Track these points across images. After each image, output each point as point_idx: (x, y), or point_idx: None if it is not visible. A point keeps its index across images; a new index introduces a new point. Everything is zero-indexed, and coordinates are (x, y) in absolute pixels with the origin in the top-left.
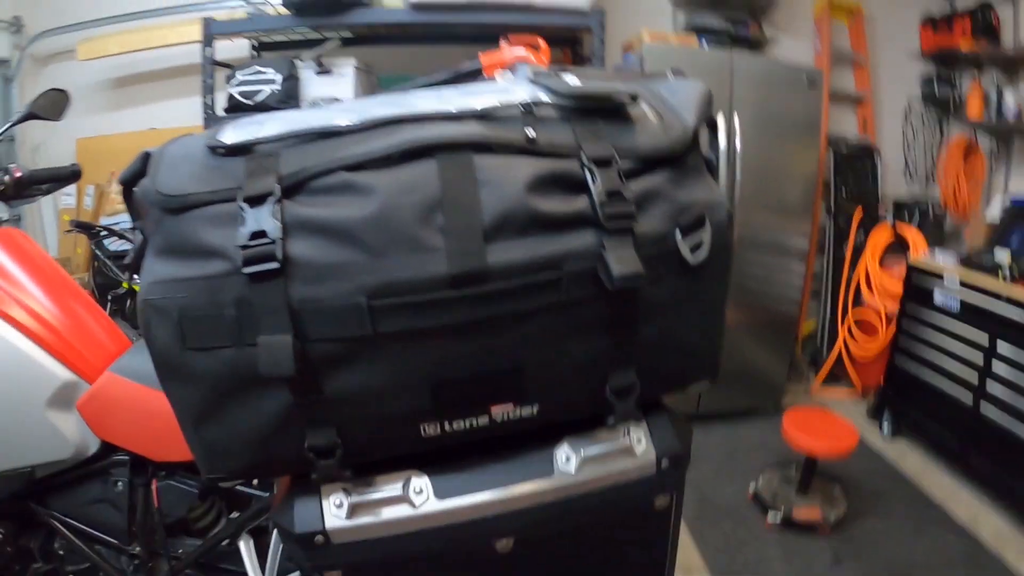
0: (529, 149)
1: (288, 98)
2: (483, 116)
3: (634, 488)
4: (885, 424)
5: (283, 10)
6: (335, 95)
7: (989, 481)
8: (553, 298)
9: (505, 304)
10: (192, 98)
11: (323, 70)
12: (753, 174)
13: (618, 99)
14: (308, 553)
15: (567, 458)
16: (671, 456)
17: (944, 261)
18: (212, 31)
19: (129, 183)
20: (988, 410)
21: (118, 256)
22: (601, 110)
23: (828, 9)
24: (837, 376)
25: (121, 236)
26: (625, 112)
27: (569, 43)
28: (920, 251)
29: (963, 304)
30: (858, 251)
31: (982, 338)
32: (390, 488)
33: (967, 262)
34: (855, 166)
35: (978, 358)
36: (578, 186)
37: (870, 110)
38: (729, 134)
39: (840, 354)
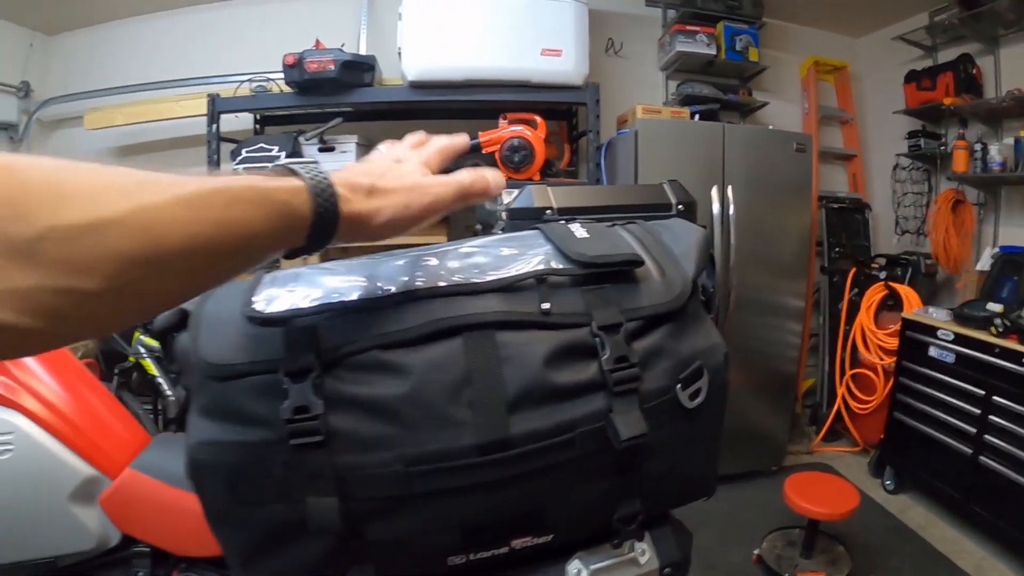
0: (545, 323)
1: None
2: (503, 289)
3: None
4: (887, 479)
5: (286, 87)
6: None
7: (992, 531)
8: (567, 455)
9: (525, 464)
10: (196, 169)
11: (326, 147)
12: (748, 237)
13: (625, 265)
14: None
15: (578, 572)
16: (673, 564)
17: (937, 316)
18: (218, 108)
19: (167, 332)
20: (988, 461)
21: None
22: (608, 273)
23: (814, 70)
24: (838, 432)
25: None
26: (631, 273)
27: (565, 117)
28: (913, 306)
29: (958, 357)
30: (853, 307)
31: (978, 390)
32: None
33: (960, 316)
34: (847, 222)
35: (976, 410)
36: (590, 352)
37: (860, 166)
38: (723, 202)
39: (839, 410)
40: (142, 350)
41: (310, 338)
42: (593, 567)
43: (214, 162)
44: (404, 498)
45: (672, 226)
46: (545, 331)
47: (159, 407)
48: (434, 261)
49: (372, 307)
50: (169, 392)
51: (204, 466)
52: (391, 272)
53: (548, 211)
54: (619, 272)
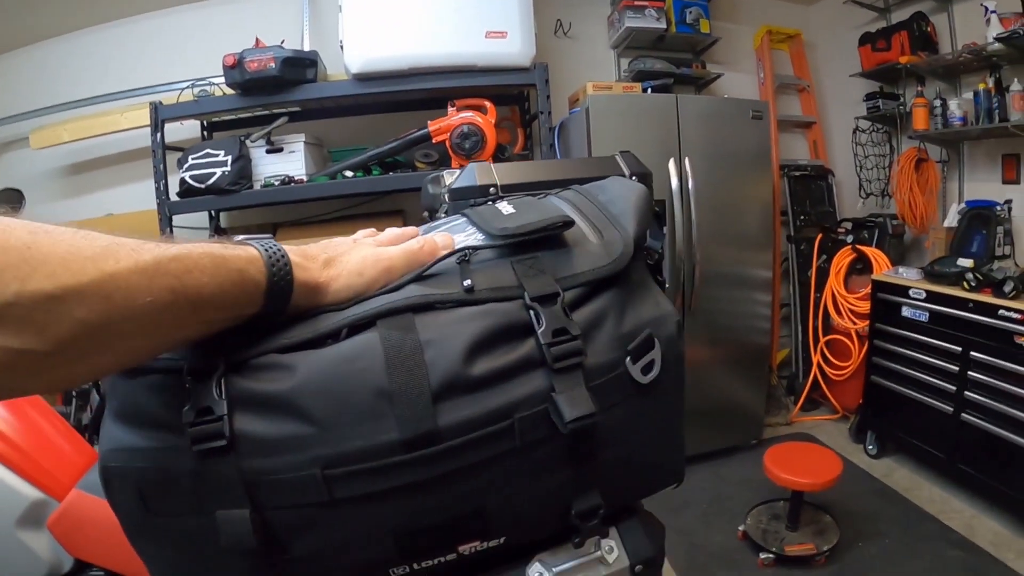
0: (470, 300)
1: (240, 179)
2: (420, 277)
3: None
4: (869, 443)
5: (229, 91)
6: (288, 172)
7: (979, 487)
8: (507, 446)
9: (458, 459)
10: (147, 182)
11: (273, 148)
12: (710, 210)
13: (552, 229)
14: None
15: None
16: (645, 561)
17: (908, 276)
18: (160, 116)
19: None
20: (970, 417)
21: None
22: (537, 241)
23: (768, 39)
24: (816, 401)
25: None
26: (562, 238)
27: (517, 101)
28: (883, 268)
29: (932, 315)
30: (822, 274)
31: (955, 347)
32: None
33: (931, 274)
34: (810, 189)
35: (954, 367)
36: (524, 330)
37: (819, 133)
38: (681, 176)
39: (816, 379)
40: None
41: (218, 337)
42: (556, 569)
43: (161, 172)
44: (326, 505)
45: (607, 186)
46: (470, 308)
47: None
48: None
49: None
50: None
51: (114, 475)
52: None
53: (492, 188)
54: (548, 238)
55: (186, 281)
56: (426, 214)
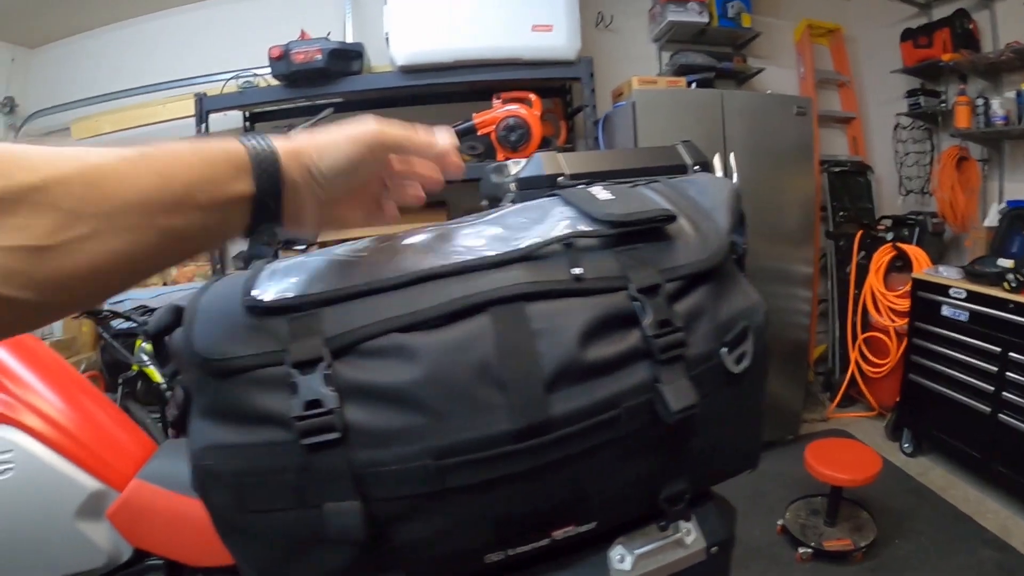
0: (578, 290)
1: None
2: (526, 258)
3: None
4: (905, 442)
5: (274, 81)
6: None
7: (1015, 489)
8: (611, 434)
9: (566, 447)
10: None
11: None
12: (752, 205)
13: (659, 221)
14: None
15: (621, 558)
16: (720, 542)
17: (948, 275)
18: (206, 107)
19: (159, 335)
20: (1007, 418)
21: (125, 335)
22: (640, 232)
23: (808, 33)
24: (853, 398)
25: (127, 318)
26: (664, 231)
27: (559, 94)
28: (923, 266)
29: (972, 315)
30: (861, 271)
31: (994, 347)
32: None
33: (971, 273)
34: (850, 186)
35: (992, 367)
36: (629, 320)
37: (860, 129)
38: (726, 172)
39: (853, 376)
40: (145, 358)
41: (317, 325)
42: (637, 552)
43: None
44: (433, 495)
45: (698, 181)
46: (579, 298)
47: (167, 415)
48: (446, 238)
49: (382, 290)
50: None
51: (210, 474)
52: (400, 253)
53: (560, 178)
54: (652, 230)
55: (172, 165)
56: (485, 203)
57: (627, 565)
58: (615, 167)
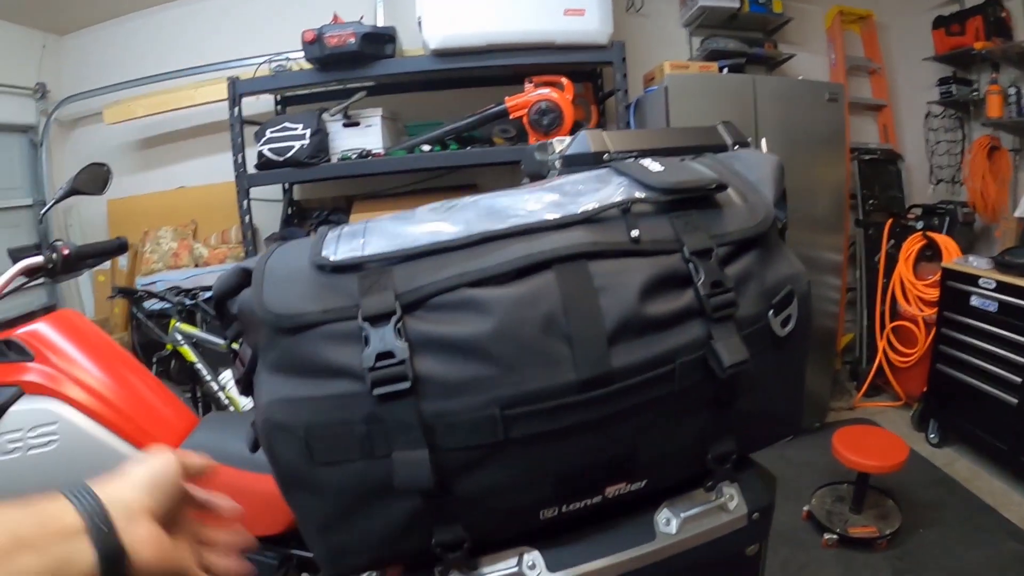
0: (636, 250)
1: (318, 152)
2: (587, 220)
3: (728, 540)
4: (931, 432)
5: (306, 65)
6: (365, 146)
7: None
8: (666, 389)
9: (625, 400)
10: (219, 155)
11: (351, 122)
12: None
13: (710, 189)
14: None
15: (667, 520)
16: (761, 509)
17: (978, 265)
18: (239, 90)
19: (225, 296)
20: None
21: (158, 316)
22: (693, 199)
23: (839, 20)
24: (879, 387)
25: (162, 298)
26: (714, 199)
27: (590, 78)
28: (953, 256)
29: (1001, 306)
30: (890, 260)
31: (1023, 338)
32: (505, 566)
33: (1001, 264)
34: (880, 174)
35: (1021, 359)
36: (684, 280)
37: (890, 117)
38: None
39: (881, 365)
40: (179, 337)
41: (388, 281)
42: (683, 515)
43: (239, 146)
44: (498, 446)
45: (743, 156)
46: (637, 259)
47: (198, 394)
48: (508, 202)
49: (449, 249)
50: (208, 378)
51: (278, 427)
52: (465, 216)
53: (605, 155)
54: (704, 198)
55: None
56: (526, 180)
57: (672, 528)
58: (658, 145)
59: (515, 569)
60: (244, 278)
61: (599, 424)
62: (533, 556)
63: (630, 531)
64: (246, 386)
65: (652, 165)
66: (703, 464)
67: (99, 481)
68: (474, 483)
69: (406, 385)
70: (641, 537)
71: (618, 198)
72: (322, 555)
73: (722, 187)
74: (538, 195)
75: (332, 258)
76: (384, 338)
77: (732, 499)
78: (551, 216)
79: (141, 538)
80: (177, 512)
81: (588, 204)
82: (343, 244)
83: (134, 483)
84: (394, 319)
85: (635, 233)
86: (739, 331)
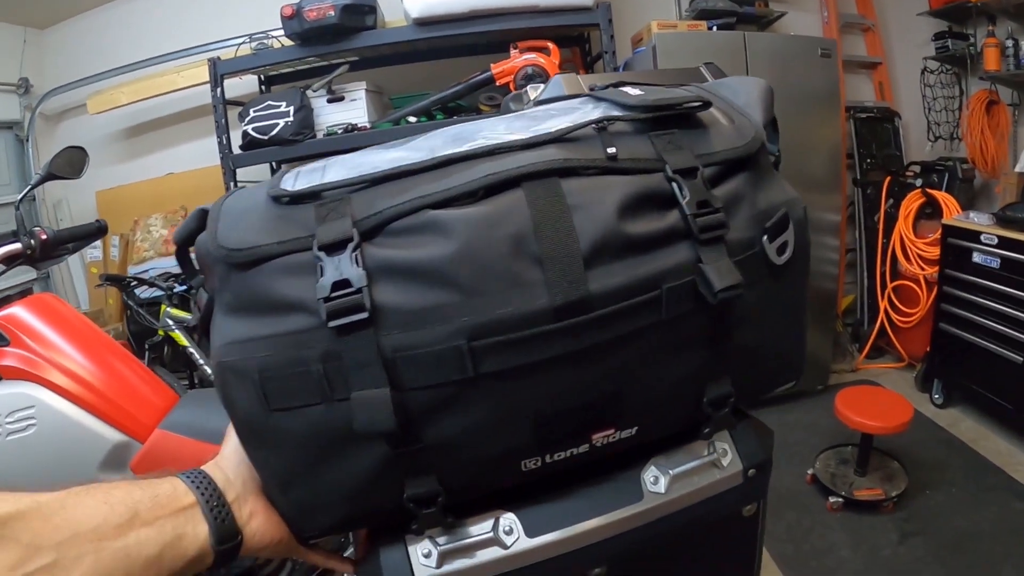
0: (613, 168)
1: (303, 129)
2: (559, 139)
3: (723, 499)
4: (935, 393)
5: (288, 42)
6: (350, 121)
7: None
8: (653, 318)
9: (606, 330)
10: (206, 139)
11: (335, 97)
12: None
13: (691, 105)
14: None
15: (655, 479)
16: (757, 465)
17: (979, 221)
18: (220, 71)
19: (185, 242)
20: None
21: (151, 303)
22: (674, 118)
23: None
24: (882, 349)
25: (151, 284)
26: (697, 118)
27: (577, 42)
28: (953, 213)
29: (1003, 262)
30: (889, 219)
31: None
32: (479, 530)
33: (1003, 219)
34: (876, 132)
35: None
36: (667, 201)
37: (885, 74)
38: None
39: (883, 326)
40: (171, 323)
41: (346, 208)
42: (672, 473)
43: (223, 127)
44: (467, 383)
45: (728, 83)
46: (615, 176)
47: (195, 379)
48: (476, 127)
49: (411, 173)
50: (202, 361)
51: (231, 370)
52: (431, 143)
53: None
54: (686, 116)
55: (114, 491)
56: None
57: (661, 487)
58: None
59: (490, 534)
60: (201, 221)
61: (580, 358)
62: (510, 520)
63: (615, 491)
64: (203, 332)
65: (631, 90)
66: (698, 409)
67: (209, 464)
68: (445, 426)
69: (364, 315)
70: (627, 497)
71: (593, 116)
72: (287, 515)
73: (706, 104)
74: (507, 120)
75: (287, 188)
76: (340, 266)
77: (726, 454)
78: (521, 136)
79: (253, 515)
80: None
81: (560, 125)
82: (302, 178)
83: (236, 461)
84: (351, 246)
85: (612, 150)
86: (731, 256)
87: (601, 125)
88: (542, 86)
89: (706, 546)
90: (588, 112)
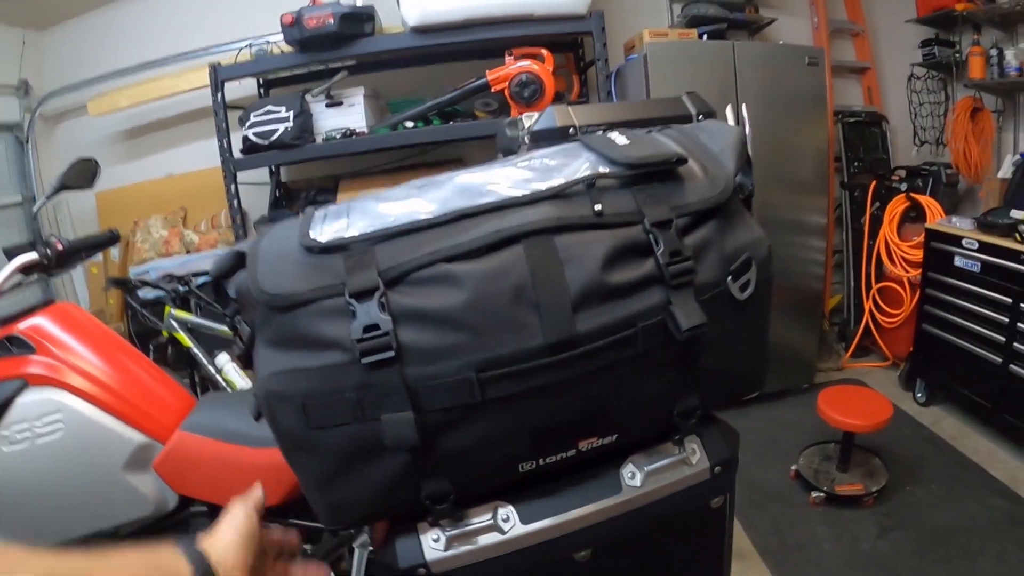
0: (599, 223)
1: (302, 133)
2: (554, 196)
3: (692, 493)
4: (918, 391)
5: (287, 48)
6: (348, 125)
7: None
8: (631, 351)
9: (591, 361)
10: (204, 142)
11: (333, 102)
12: (766, 155)
13: (671, 163)
14: None
15: (632, 475)
16: (723, 462)
17: (961, 225)
18: (221, 76)
19: (222, 278)
20: (1018, 368)
21: (153, 303)
22: (655, 173)
23: None
24: (867, 348)
25: (155, 286)
26: (676, 172)
27: (571, 49)
28: (937, 217)
29: (984, 266)
30: (875, 221)
31: (1006, 298)
32: (480, 519)
33: (984, 224)
34: (864, 136)
35: (1004, 318)
36: (644, 250)
37: (874, 79)
38: (739, 122)
39: (868, 326)
40: (174, 324)
41: (371, 259)
42: (647, 469)
43: (223, 131)
44: (476, 406)
45: (707, 127)
46: (600, 231)
47: (196, 378)
48: (480, 179)
49: (427, 227)
50: (205, 361)
51: (277, 396)
52: (441, 194)
53: (571, 129)
54: (666, 171)
55: (122, 560)
56: (500, 156)
57: (637, 481)
58: (623, 118)
59: (490, 521)
60: (239, 260)
61: (569, 384)
62: (507, 510)
63: (598, 485)
64: (246, 360)
65: (618, 139)
66: (670, 419)
67: (200, 540)
68: (456, 439)
69: (391, 354)
70: (608, 491)
71: (583, 173)
72: (322, 510)
73: (682, 161)
74: (509, 171)
75: (319, 240)
76: (369, 312)
77: (695, 453)
78: (520, 193)
79: None
80: (261, 559)
81: (555, 180)
82: (328, 225)
83: (227, 543)
84: (377, 294)
85: (598, 207)
86: (698, 296)
87: (591, 183)
88: (536, 115)
89: (680, 534)
90: (580, 165)
